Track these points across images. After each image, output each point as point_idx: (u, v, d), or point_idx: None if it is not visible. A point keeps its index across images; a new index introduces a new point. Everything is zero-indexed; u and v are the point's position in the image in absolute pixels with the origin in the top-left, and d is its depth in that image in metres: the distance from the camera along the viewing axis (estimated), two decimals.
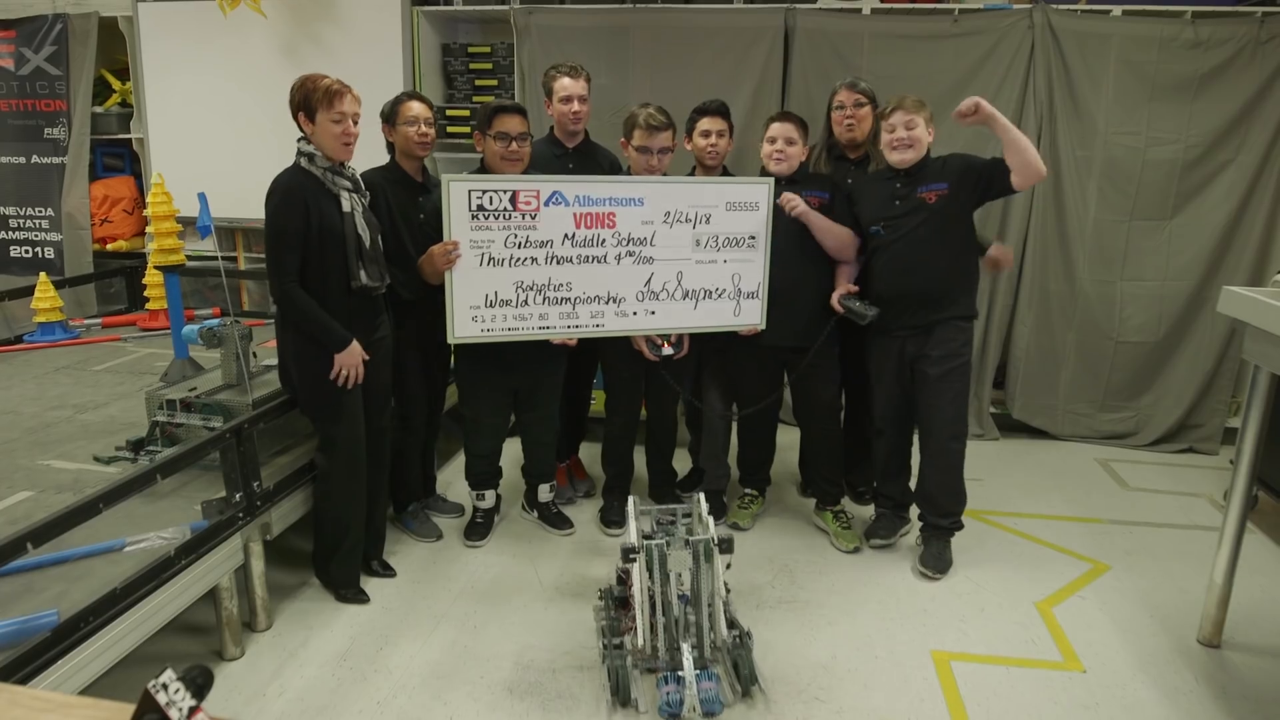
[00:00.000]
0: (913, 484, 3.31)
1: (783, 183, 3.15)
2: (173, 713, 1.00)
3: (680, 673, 2.34)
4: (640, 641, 2.41)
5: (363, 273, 2.70)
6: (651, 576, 2.44)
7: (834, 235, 3.13)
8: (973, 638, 2.74)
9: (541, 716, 2.35)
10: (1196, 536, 3.44)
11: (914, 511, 3.35)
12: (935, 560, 3.13)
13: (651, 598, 2.44)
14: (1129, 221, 4.21)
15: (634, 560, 2.44)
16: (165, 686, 1.01)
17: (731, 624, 2.54)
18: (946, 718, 2.36)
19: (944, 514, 3.15)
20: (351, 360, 2.71)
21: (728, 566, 2.56)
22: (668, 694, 2.30)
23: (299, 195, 2.60)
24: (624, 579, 2.63)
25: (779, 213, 3.10)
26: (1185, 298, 4.24)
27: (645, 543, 2.46)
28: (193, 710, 1.02)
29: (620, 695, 2.35)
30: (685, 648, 2.38)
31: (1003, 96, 4.08)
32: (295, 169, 2.65)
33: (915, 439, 3.26)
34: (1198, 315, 4.26)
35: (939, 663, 2.60)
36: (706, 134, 3.21)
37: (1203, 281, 4.21)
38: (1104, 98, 4.08)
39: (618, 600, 2.66)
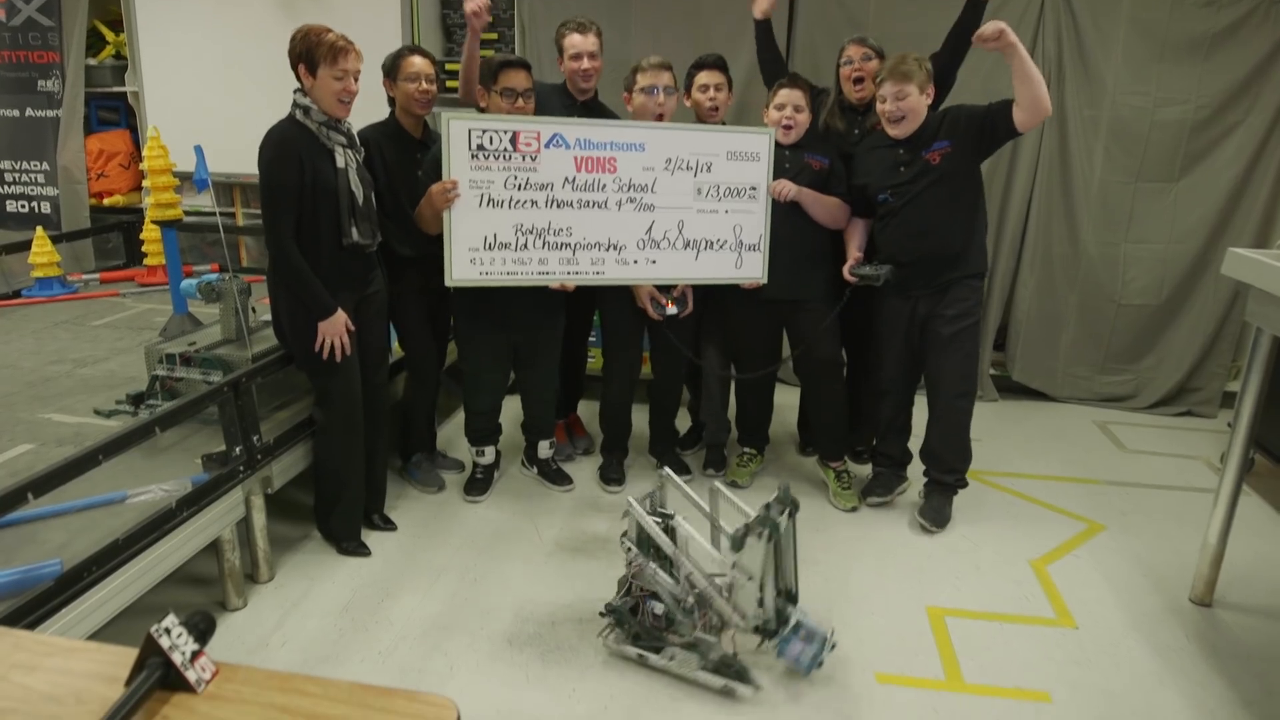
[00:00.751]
0: (913, 444, 3.32)
1: (787, 148, 3.13)
2: (175, 656, 1.01)
3: (792, 625, 2.27)
4: (739, 620, 2.25)
5: (354, 230, 2.68)
6: (769, 551, 2.22)
7: (824, 207, 3.13)
8: (967, 594, 2.76)
9: (541, 667, 2.38)
10: (1192, 498, 3.46)
11: (912, 470, 3.37)
12: (934, 514, 3.15)
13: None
14: (1135, 183, 4.17)
15: (746, 544, 2.21)
16: (168, 631, 1.02)
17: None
18: (940, 671, 2.39)
19: (949, 470, 3.17)
20: (334, 329, 2.69)
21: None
22: (801, 651, 2.24)
23: (293, 149, 2.57)
24: (632, 586, 2.42)
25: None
26: (1189, 261, 4.22)
27: (758, 520, 2.21)
28: (195, 654, 1.03)
29: (751, 683, 2.26)
30: (793, 608, 2.31)
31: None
32: (290, 121, 2.62)
33: (917, 399, 3.28)
34: (1201, 279, 4.24)
35: (934, 618, 2.63)
36: (705, 88, 3.18)
37: (1207, 244, 4.18)
38: (1113, 57, 4.03)
39: (630, 610, 2.43)
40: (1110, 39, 4.01)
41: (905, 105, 2.86)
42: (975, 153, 2.93)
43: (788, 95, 3.10)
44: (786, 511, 2.27)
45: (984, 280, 3.07)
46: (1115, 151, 4.15)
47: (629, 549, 2.38)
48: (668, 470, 2.55)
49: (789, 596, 2.34)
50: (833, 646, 2.29)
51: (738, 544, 2.20)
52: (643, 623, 2.39)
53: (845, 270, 3.13)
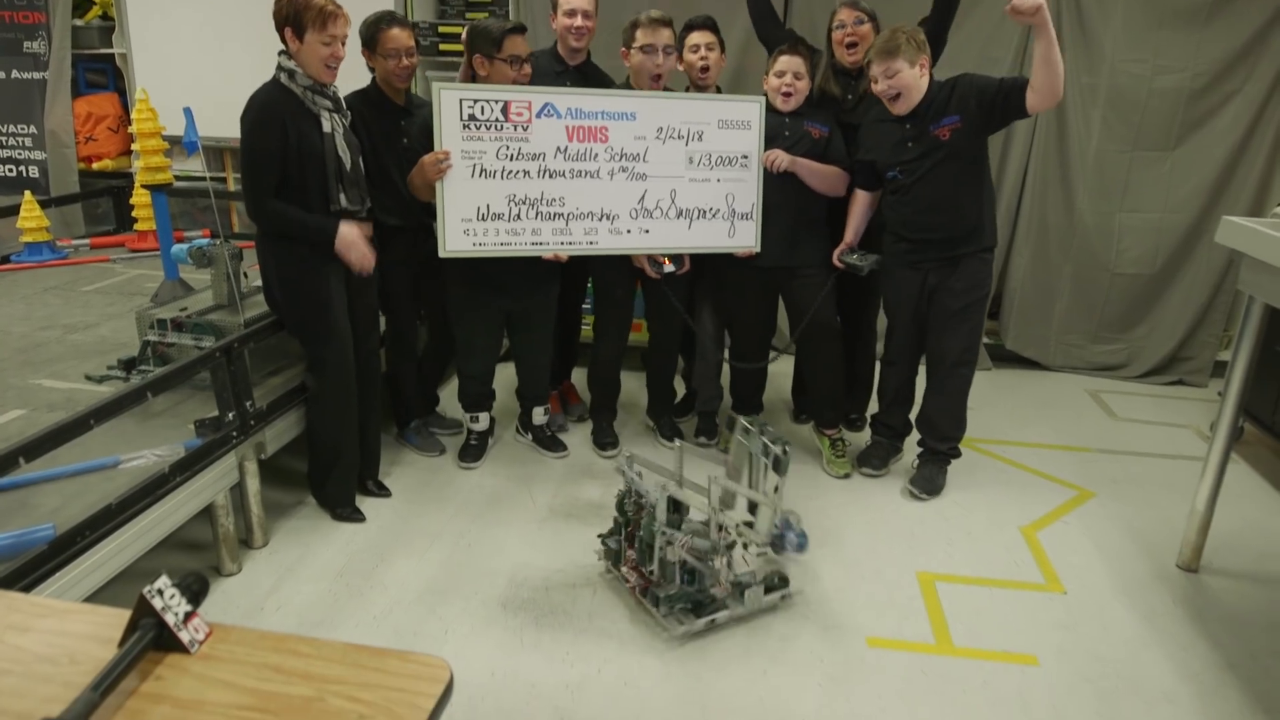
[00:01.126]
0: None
1: (786, 115, 3.09)
2: (168, 617, 1.01)
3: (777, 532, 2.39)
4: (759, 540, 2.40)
5: (342, 196, 2.65)
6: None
7: (822, 177, 3.10)
8: (958, 559, 2.79)
9: (535, 631, 2.40)
10: (1181, 466, 3.48)
11: (908, 441, 3.39)
12: (926, 483, 3.17)
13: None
14: (1131, 152, 4.15)
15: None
16: (161, 592, 1.02)
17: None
18: (930, 635, 2.42)
19: (943, 439, 3.18)
20: (352, 243, 2.66)
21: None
22: (789, 541, 2.37)
23: (276, 113, 2.53)
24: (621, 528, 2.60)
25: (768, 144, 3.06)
26: (1183, 230, 4.22)
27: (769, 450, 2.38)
28: (188, 615, 1.03)
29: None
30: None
31: (1009, 20, 3.97)
32: (274, 85, 2.57)
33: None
34: (1195, 248, 4.23)
35: (924, 583, 2.66)
36: (695, 48, 3.14)
37: (1202, 214, 4.17)
38: (1113, 24, 3.99)
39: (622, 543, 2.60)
40: (1110, 5, 3.97)
41: (897, 83, 2.80)
42: (984, 129, 2.87)
43: (788, 62, 3.06)
44: (782, 446, 2.37)
45: (994, 253, 3.05)
46: (1112, 120, 4.12)
47: (631, 490, 2.53)
48: (680, 442, 2.63)
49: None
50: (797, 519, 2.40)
51: (783, 468, 2.33)
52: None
53: (835, 255, 3.14)
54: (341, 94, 2.78)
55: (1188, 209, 4.18)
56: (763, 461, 2.37)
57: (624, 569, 2.55)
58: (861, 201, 3.15)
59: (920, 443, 3.26)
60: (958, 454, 3.23)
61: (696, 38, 3.15)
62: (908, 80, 2.80)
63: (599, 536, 2.67)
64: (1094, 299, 4.38)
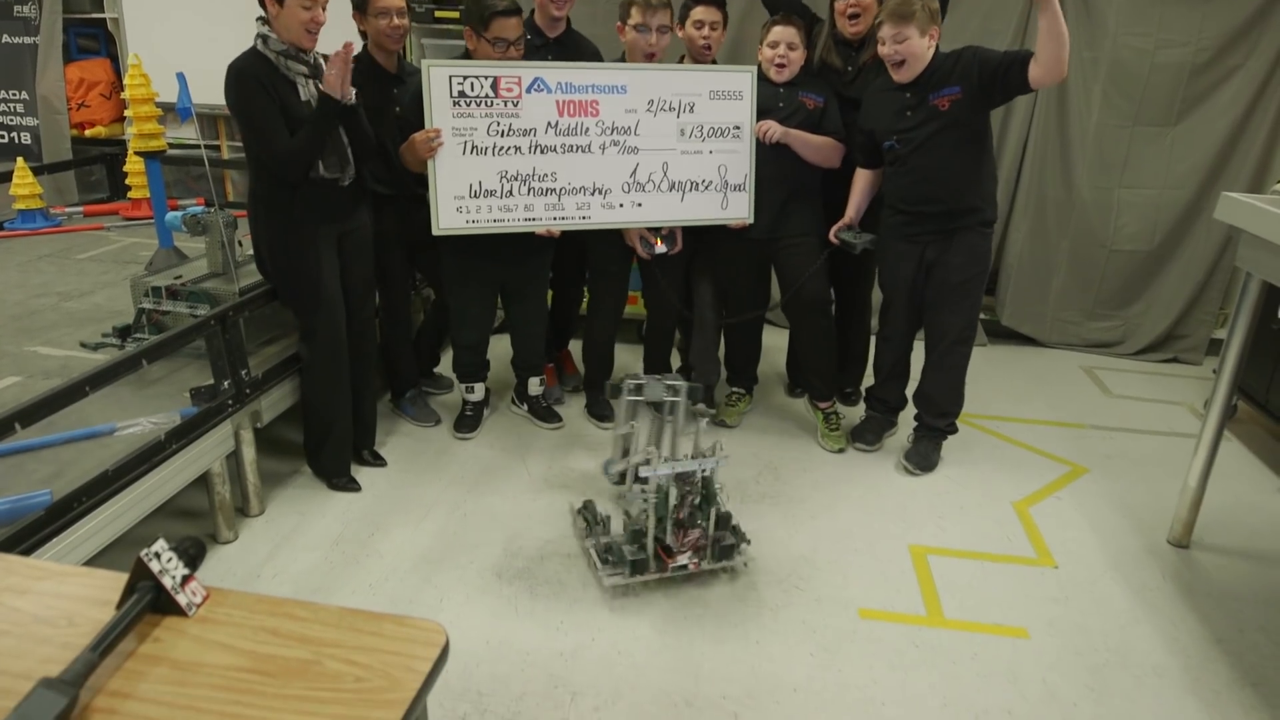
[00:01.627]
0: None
1: (781, 86, 3.07)
2: (166, 580, 1.02)
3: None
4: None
5: (321, 164, 2.62)
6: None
7: (815, 148, 3.08)
8: (950, 534, 2.81)
9: (529, 600, 2.42)
10: (1174, 443, 3.50)
11: (903, 416, 3.40)
12: (920, 458, 3.18)
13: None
14: (1132, 127, 4.13)
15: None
16: (158, 555, 1.03)
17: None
18: (921, 606, 2.44)
19: (940, 414, 3.18)
20: (337, 72, 2.50)
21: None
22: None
23: (254, 77, 2.50)
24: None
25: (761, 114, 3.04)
26: (1182, 207, 4.21)
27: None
28: (186, 579, 1.04)
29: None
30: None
31: None
32: (250, 53, 2.54)
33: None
34: (1193, 225, 4.23)
35: (916, 556, 2.68)
36: (700, 24, 3.10)
37: (1201, 190, 4.16)
38: None
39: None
40: None
41: (905, 49, 2.76)
42: (985, 103, 2.83)
43: (780, 33, 3.02)
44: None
45: (992, 228, 3.04)
46: (1113, 94, 4.09)
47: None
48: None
49: None
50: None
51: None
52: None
53: (832, 231, 3.13)
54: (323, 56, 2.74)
55: (1187, 185, 4.17)
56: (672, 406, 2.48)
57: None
58: (863, 179, 3.13)
59: (916, 418, 3.27)
60: (954, 430, 3.24)
61: (702, 13, 3.09)
62: (915, 48, 2.77)
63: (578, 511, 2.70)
64: (1091, 275, 4.38)
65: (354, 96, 2.61)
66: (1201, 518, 2.76)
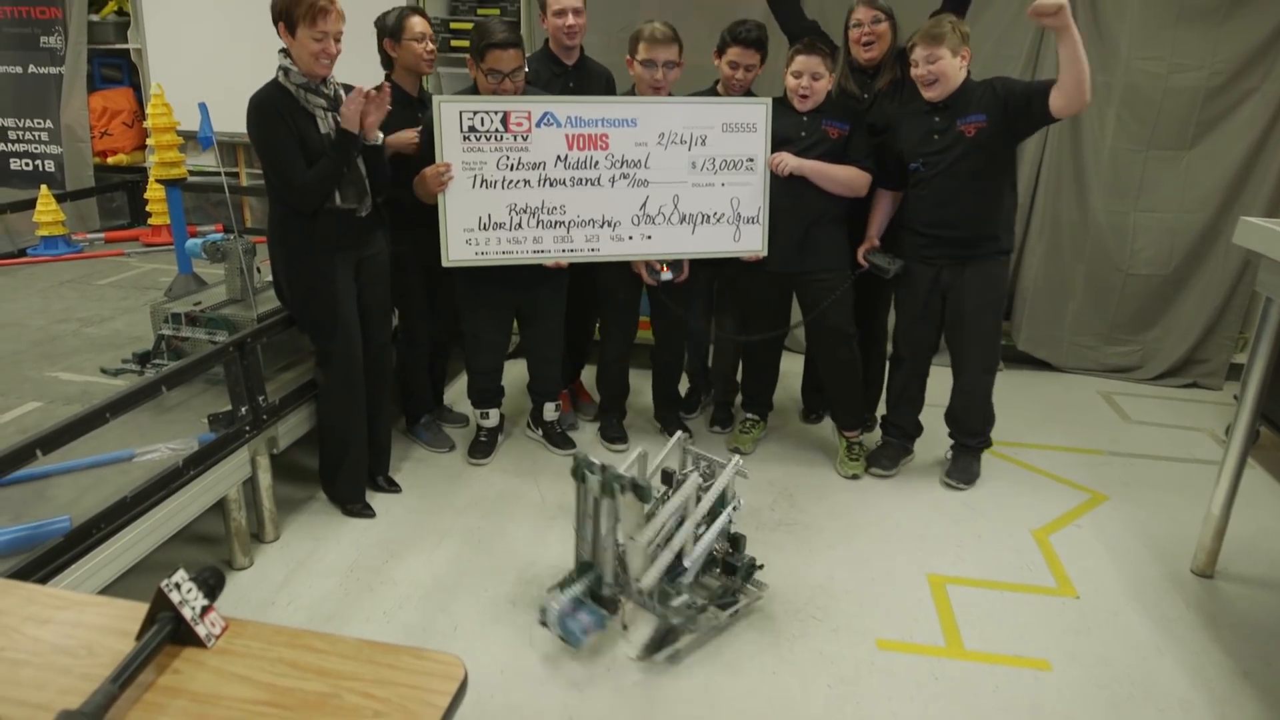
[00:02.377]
0: (923, 416, 3.35)
1: (804, 115, 3.08)
2: (186, 611, 1.02)
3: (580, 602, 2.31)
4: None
5: (338, 195, 2.64)
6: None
7: (835, 180, 3.06)
8: (969, 562, 2.78)
9: (543, 629, 2.40)
10: (1195, 470, 3.46)
11: (923, 440, 3.38)
12: (962, 473, 3.23)
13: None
14: (1146, 151, 4.12)
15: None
16: (179, 586, 1.03)
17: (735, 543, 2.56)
18: (940, 638, 2.41)
19: (973, 434, 3.25)
20: (352, 108, 2.55)
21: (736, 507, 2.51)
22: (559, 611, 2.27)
23: (273, 109, 2.54)
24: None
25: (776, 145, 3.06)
26: (1199, 230, 4.18)
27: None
28: (205, 609, 1.04)
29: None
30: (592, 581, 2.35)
31: (1023, 17, 3.93)
32: (272, 84, 2.58)
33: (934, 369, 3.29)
34: (1210, 249, 4.20)
35: (934, 585, 2.65)
36: (735, 65, 3.09)
37: (1218, 214, 4.14)
38: (1129, 20, 3.96)
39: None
40: (1125, 3, 3.94)
41: (937, 69, 2.81)
42: (1010, 133, 2.87)
43: (804, 63, 3.01)
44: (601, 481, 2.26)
45: (1010, 257, 3.05)
46: (1127, 118, 4.09)
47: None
48: (681, 434, 2.62)
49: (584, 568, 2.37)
50: (563, 635, 2.27)
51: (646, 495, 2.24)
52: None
53: (860, 253, 3.14)
54: (351, 85, 2.78)
55: (1204, 209, 4.15)
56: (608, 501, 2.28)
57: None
58: (885, 200, 3.15)
59: (951, 435, 3.31)
60: (988, 444, 3.29)
61: (738, 55, 3.06)
62: (947, 68, 2.81)
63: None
64: (1107, 299, 4.35)
65: (380, 138, 2.67)
66: (1225, 546, 2.72)
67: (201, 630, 1.02)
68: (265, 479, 2.76)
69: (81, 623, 1.08)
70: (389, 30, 3.06)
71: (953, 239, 2.95)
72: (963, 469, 3.25)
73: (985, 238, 2.95)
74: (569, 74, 3.29)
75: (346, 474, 2.96)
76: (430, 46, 3.06)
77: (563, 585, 2.35)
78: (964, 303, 3.00)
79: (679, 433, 2.65)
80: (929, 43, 2.80)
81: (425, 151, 2.89)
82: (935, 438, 3.39)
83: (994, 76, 2.91)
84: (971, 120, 2.85)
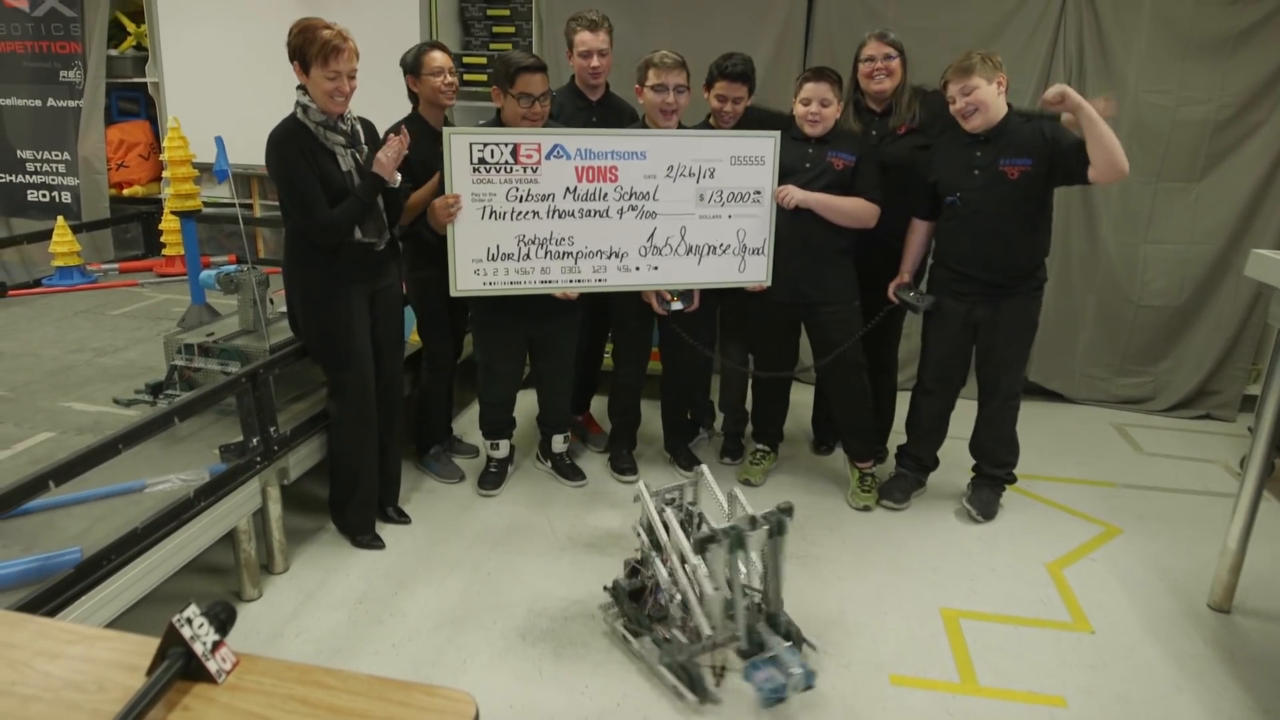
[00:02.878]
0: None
1: (812, 142, 3.10)
2: (197, 646, 1.01)
3: (768, 654, 2.20)
4: (707, 629, 2.22)
5: (358, 229, 2.67)
6: (732, 561, 2.22)
7: (841, 212, 3.07)
8: (982, 596, 2.75)
9: (554, 662, 2.39)
10: (1210, 502, 3.43)
11: (943, 472, 3.36)
12: (983, 506, 3.21)
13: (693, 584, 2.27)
14: (1155, 183, 4.13)
15: (709, 549, 2.20)
16: (190, 621, 1.02)
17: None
18: (954, 673, 2.38)
19: (999, 465, 3.24)
20: (392, 157, 2.66)
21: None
22: (767, 679, 2.14)
23: (293, 145, 2.57)
24: (637, 569, 2.51)
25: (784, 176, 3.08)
26: (1209, 262, 4.18)
27: (725, 528, 2.22)
28: (216, 644, 1.04)
29: (700, 693, 2.22)
30: (765, 629, 2.28)
31: (1031, 50, 4.00)
32: (290, 120, 2.61)
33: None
34: (1222, 280, 4.19)
35: (948, 620, 2.62)
36: (723, 99, 3.13)
37: (1228, 245, 4.13)
38: (1136, 54, 3.98)
39: (630, 593, 2.50)
40: (1132, 36, 3.97)
41: (974, 99, 2.80)
42: (1050, 182, 2.87)
43: (813, 89, 3.03)
44: (766, 529, 2.23)
45: (1043, 289, 3.04)
46: (1135, 151, 4.09)
47: (639, 534, 2.43)
48: (704, 467, 2.59)
49: (772, 622, 2.31)
50: (807, 688, 2.18)
51: (698, 548, 2.20)
52: (639, 607, 2.44)
53: (890, 289, 3.14)
54: (382, 123, 2.85)
55: (1214, 240, 4.15)
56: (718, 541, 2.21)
57: (666, 631, 2.35)
58: (921, 233, 3.14)
59: (975, 468, 3.30)
60: (1013, 479, 3.27)
61: (725, 89, 3.10)
62: (985, 97, 2.80)
63: (606, 589, 2.59)
64: (1118, 331, 4.34)
65: (398, 179, 2.74)
66: (1242, 580, 2.69)
67: (213, 666, 1.01)
68: (275, 510, 2.76)
69: (92, 657, 1.07)
70: (409, 67, 3.12)
71: (988, 280, 2.95)
72: (985, 501, 3.22)
73: (1023, 274, 2.95)
74: (593, 109, 3.34)
75: (357, 505, 2.95)
76: (450, 79, 3.10)
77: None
78: (996, 336, 3.01)
79: (700, 466, 2.61)
80: (960, 76, 2.80)
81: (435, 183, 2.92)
82: (946, 469, 3.37)
83: (1044, 118, 2.87)
84: (1017, 164, 2.83)
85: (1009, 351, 3.04)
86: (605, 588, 2.59)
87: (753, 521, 2.24)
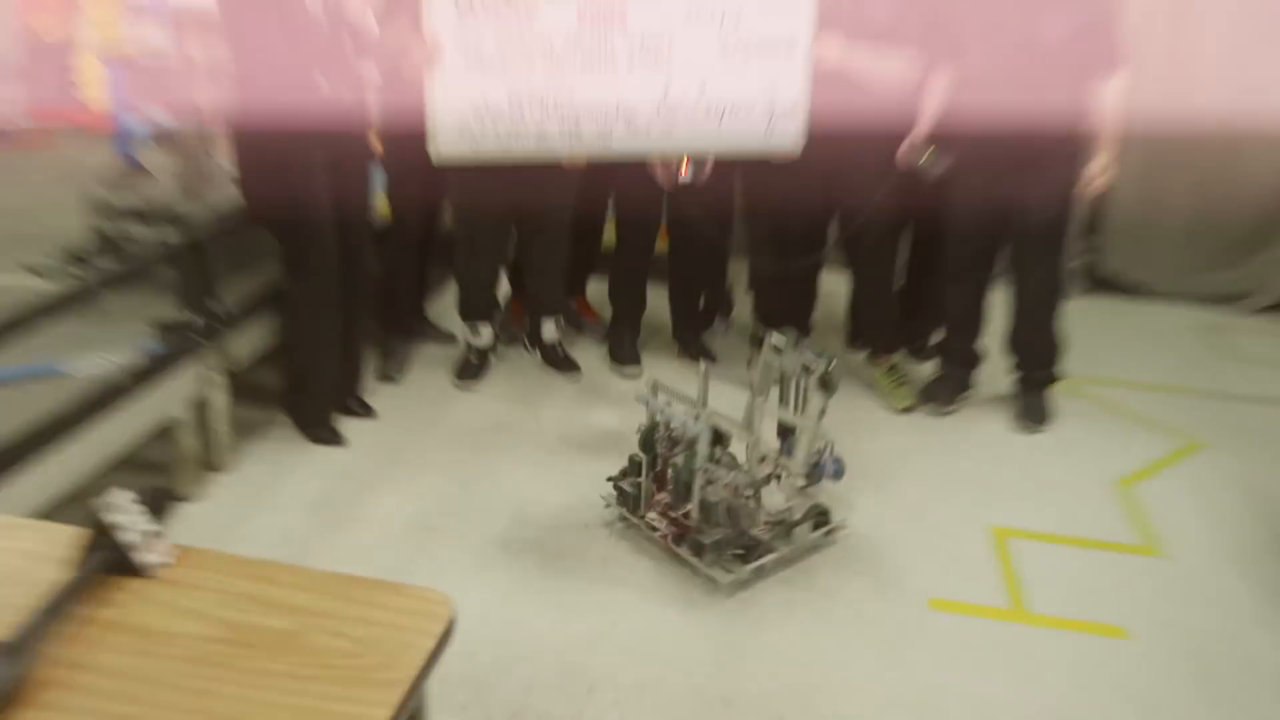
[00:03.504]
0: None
1: None
2: (129, 536, 1.01)
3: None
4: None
5: None
6: None
7: (883, 82, 2.99)
8: (1038, 514, 2.78)
9: (540, 576, 2.44)
10: None
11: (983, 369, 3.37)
12: (1034, 413, 3.24)
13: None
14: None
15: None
16: (120, 507, 1.02)
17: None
18: (1002, 598, 2.43)
19: (1039, 364, 3.24)
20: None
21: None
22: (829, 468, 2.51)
23: None
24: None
25: None
26: None
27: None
28: (153, 534, 1.03)
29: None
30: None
31: None
32: None
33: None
34: None
35: (997, 539, 2.66)
36: None
37: None
38: None
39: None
40: None
41: None
42: None
43: None
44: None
45: (1083, 159, 2.98)
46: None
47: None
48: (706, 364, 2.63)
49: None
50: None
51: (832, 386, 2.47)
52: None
53: (899, 152, 3.05)
54: None
55: None
56: (800, 382, 2.49)
57: (650, 515, 2.54)
58: (938, 81, 3.05)
59: (1016, 368, 3.29)
60: (1057, 378, 3.28)
61: None
62: None
63: (609, 480, 2.64)
64: (1214, 216, 4.28)
65: None
66: None
67: (150, 558, 1.02)
68: (220, 398, 2.78)
69: (13, 548, 1.08)
70: None
71: (1016, 137, 2.87)
72: (1033, 408, 3.24)
73: (1060, 139, 2.90)
74: None
75: (313, 395, 2.97)
76: None
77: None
78: (1031, 215, 2.99)
79: (703, 361, 2.64)
80: None
81: None
82: (1002, 369, 3.37)
83: None
84: None
85: (1041, 235, 3.03)
86: (609, 478, 2.62)
87: (804, 367, 2.47)
